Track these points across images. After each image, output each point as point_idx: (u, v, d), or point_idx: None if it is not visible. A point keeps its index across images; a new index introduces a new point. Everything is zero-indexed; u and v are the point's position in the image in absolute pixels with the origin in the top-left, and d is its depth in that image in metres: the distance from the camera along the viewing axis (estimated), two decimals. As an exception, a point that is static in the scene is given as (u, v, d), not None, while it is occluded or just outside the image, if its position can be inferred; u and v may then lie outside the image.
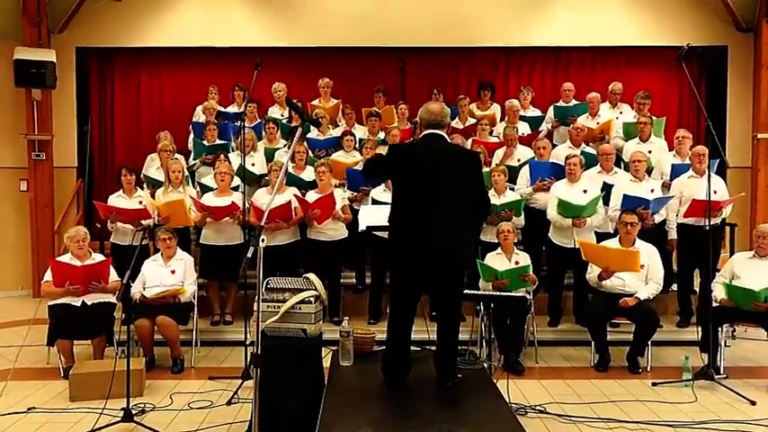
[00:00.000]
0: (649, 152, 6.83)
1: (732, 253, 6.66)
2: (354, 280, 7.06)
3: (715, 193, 5.93)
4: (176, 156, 7.17)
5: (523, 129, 7.84)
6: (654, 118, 7.23)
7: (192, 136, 7.96)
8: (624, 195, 5.94)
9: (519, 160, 7.13)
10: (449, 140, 4.04)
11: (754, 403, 4.69)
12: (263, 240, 3.06)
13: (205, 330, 6.25)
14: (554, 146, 7.77)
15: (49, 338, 5.34)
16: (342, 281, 6.68)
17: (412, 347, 4.30)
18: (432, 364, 3.97)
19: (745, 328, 5.90)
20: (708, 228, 5.35)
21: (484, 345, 5.61)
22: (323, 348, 4.40)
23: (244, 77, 7.75)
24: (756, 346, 5.98)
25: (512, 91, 9.07)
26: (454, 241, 3.75)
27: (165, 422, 4.34)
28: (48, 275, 5.45)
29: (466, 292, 5.41)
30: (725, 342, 5.68)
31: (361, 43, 9.10)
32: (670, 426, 4.27)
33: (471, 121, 8.01)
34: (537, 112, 8.31)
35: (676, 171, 6.49)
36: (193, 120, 8.30)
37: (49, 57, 8.34)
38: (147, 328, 5.42)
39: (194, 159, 7.55)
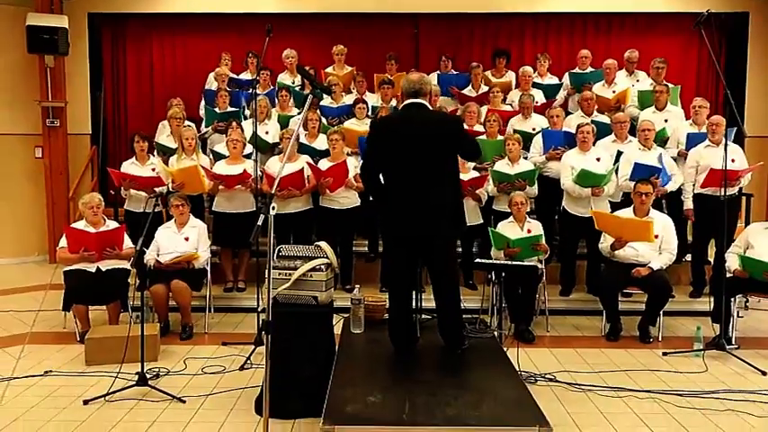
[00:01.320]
0: (665, 121, 6.74)
1: (747, 223, 6.59)
2: (367, 248, 7.08)
3: (733, 161, 5.87)
4: (188, 123, 7.16)
5: (539, 97, 7.75)
6: (670, 86, 7.12)
7: (203, 103, 7.93)
8: (635, 164, 5.89)
9: (534, 129, 7.06)
10: (430, 108, 4.06)
11: (764, 373, 4.69)
12: (273, 208, 3.06)
13: (218, 297, 6.32)
14: (569, 113, 7.71)
15: (65, 304, 5.42)
16: (354, 249, 6.70)
17: (424, 316, 4.36)
18: (441, 331, 4.02)
19: (759, 298, 5.87)
20: (723, 198, 5.29)
21: (495, 313, 5.63)
22: (335, 316, 4.43)
23: (257, 44, 7.66)
24: (769, 316, 5.98)
25: (527, 58, 8.94)
26: (438, 210, 3.83)
27: (179, 386, 4.41)
28: (63, 242, 5.50)
29: (477, 260, 5.44)
30: (737, 313, 5.68)
31: (374, 9, 8.99)
32: (680, 395, 4.27)
33: (485, 88, 7.91)
34: (554, 80, 8.19)
35: (692, 140, 6.40)
36: (206, 87, 8.27)
37: (62, 23, 8.30)
38: (162, 293, 5.48)
39: (206, 126, 7.54)
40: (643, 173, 5.80)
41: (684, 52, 9.20)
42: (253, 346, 5.00)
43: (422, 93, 3.93)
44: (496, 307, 5.51)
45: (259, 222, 3.03)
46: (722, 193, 5.25)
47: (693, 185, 6.15)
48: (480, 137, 6.81)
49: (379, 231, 4.28)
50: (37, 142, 8.79)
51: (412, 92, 3.93)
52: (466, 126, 7.00)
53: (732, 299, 5.34)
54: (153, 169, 6.41)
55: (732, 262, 5.32)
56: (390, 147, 3.88)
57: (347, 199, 6.33)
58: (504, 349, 4.17)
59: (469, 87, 8.04)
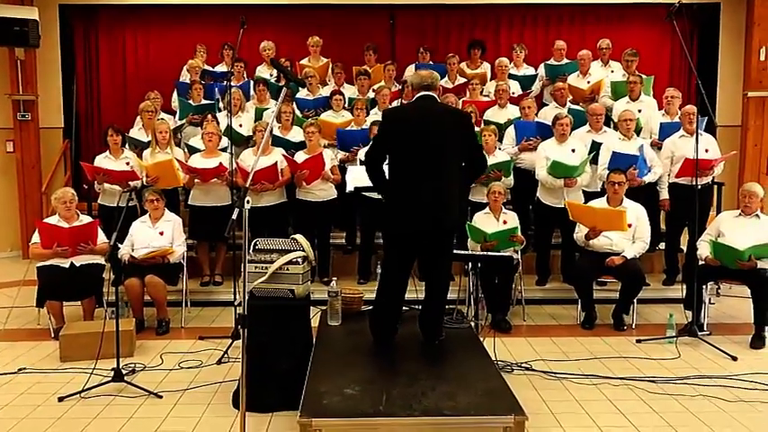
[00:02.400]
0: (639, 111, 6.80)
1: (719, 212, 6.70)
2: (344, 240, 7.08)
3: (707, 151, 5.96)
4: (163, 116, 7.08)
5: (514, 88, 7.78)
6: (643, 76, 7.19)
7: (175, 95, 7.85)
8: (613, 153, 5.95)
9: (509, 119, 7.09)
10: (439, 101, 4.07)
11: (735, 359, 4.79)
12: (248, 202, 3.05)
13: (195, 291, 6.28)
14: (544, 105, 7.77)
15: (39, 300, 5.35)
16: (331, 241, 6.69)
17: (403, 307, 4.36)
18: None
19: (730, 285, 5.98)
20: (698, 187, 5.37)
21: (471, 304, 5.66)
22: (313, 308, 4.43)
23: (233, 36, 7.62)
24: (740, 303, 6.06)
25: (503, 49, 8.96)
26: (447, 205, 3.84)
27: (156, 381, 4.38)
28: (35, 237, 5.44)
29: (454, 252, 5.46)
30: (709, 299, 5.77)
31: (350, 0, 8.95)
32: (652, 381, 4.35)
33: (461, 80, 7.92)
34: (530, 71, 8.23)
35: (665, 130, 6.48)
36: (180, 79, 8.18)
37: (32, 14, 8.14)
38: (136, 287, 5.43)
39: (180, 119, 7.46)
40: (621, 162, 5.86)
41: (658, 42, 9.28)
42: (230, 340, 4.99)
43: (433, 87, 3.98)
44: (473, 297, 5.54)
45: (233, 216, 3.02)
46: (695, 183, 5.31)
47: (669, 175, 6.23)
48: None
49: (384, 226, 4.22)
50: (8, 136, 8.66)
51: (424, 86, 3.95)
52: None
53: (704, 286, 5.44)
54: (127, 163, 6.33)
55: (704, 250, 5.40)
56: (404, 138, 3.85)
57: (324, 191, 6.32)
58: (481, 339, 4.21)
59: (446, 78, 8.04)
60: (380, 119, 4.18)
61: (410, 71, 8.13)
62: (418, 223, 3.83)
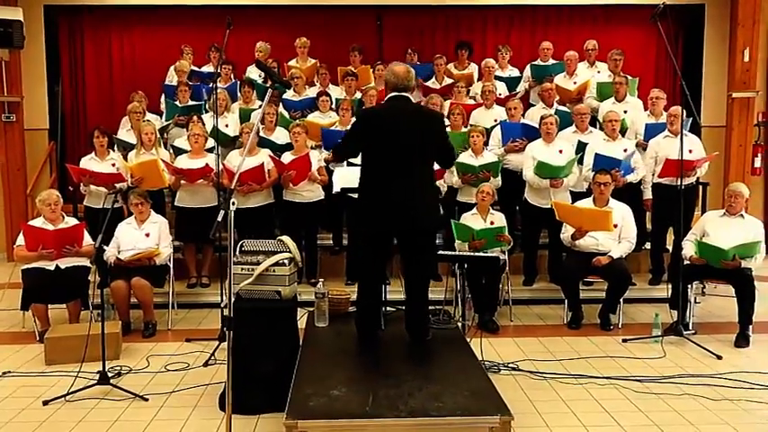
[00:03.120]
0: (625, 112, 6.84)
1: (704, 212, 6.75)
2: (331, 241, 7.07)
3: (690, 152, 6.00)
4: (148, 117, 7.05)
5: (500, 89, 7.81)
6: (628, 77, 7.24)
7: (163, 97, 7.82)
8: (596, 155, 5.99)
9: (495, 120, 7.12)
10: (413, 102, 4.11)
11: (720, 358, 4.82)
12: (233, 203, 3.04)
13: (182, 293, 6.26)
14: (531, 105, 7.79)
15: (24, 303, 5.30)
16: (318, 242, 6.69)
17: (388, 308, 4.39)
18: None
19: (716, 285, 6.02)
20: (681, 187, 5.41)
21: (458, 304, 5.67)
22: (300, 310, 4.42)
23: (220, 37, 7.57)
24: (725, 302, 6.10)
25: (489, 50, 8.99)
26: (421, 205, 3.88)
27: (142, 384, 4.36)
28: (20, 240, 5.39)
29: (440, 252, 5.47)
30: (695, 299, 5.81)
31: (337, 1, 8.95)
32: (638, 380, 4.37)
33: (448, 81, 7.94)
34: (515, 72, 8.26)
35: (650, 131, 6.53)
36: (167, 81, 8.14)
37: (16, 15, 8.06)
38: (122, 290, 5.40)
39: (167, 120, 7.43)
40: (604, 164, 5.89)
41: (644, 43, 9.35)
42: (217, 342, 4.97)
43: (409, 88, 3.97)
44: (460, 298, 5.55)
45: (219, 218, 3.01)
46: (679, 183, 5.35)
47: (653, 175, 6.27)
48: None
49: (353, 225, 4.32)
50: (-8, 138, 8.59)
51: (400, 86, 3.94)
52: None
53: (689, 285, 5.46)
54: (113, 165, 6.29)
55: (688, 249, 5.44)
56: (378, 138, 3.88)
57: (311, 192, 6.31)
58: (468, 340, 4.21)
59: (433, 80, 8.06)
60: (356, 117, 4.19)
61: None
62: (390, 222, 3.87)
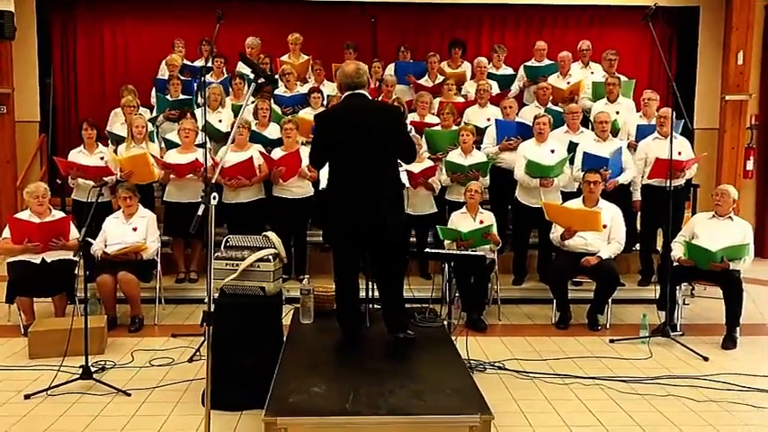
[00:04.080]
0: (617, 113, 6.83)
1: (694, 213, 6.75)
2: (321, 238, 7.04)
3: (680, 154, 5.99)
4: (140, 111, 7.01)
5: (493, 87, 7.78)
6: (623, 79, 7.23)
7: (154, 91, 7.78)
8: (584, 154, 5.98)
9: (489, 119, 7.10)
10: (370, 98, 4.14)
11: (706, 359, 4.82)
12: (214, 198, 3.02)
13: (170, 288, 6.23)
14: (524, 105, 7.78)
15: (8, 296, 5.27)
16: (308, 239, 6.66)
17: (375, 306, 4.37)
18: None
19: (705, 286, 6.02)
20: (670, 188, 5.40)
21: (445, 302, 5.66)
22: (288, 306, 4.41)
23: (212, 31, 7.54)
24: (714, 304, 6.07)
25: (484, 49, 8.99)
26: (385, 200, 3.89)
27: (125, 379, 4.33)
28: (6, 232, 5.36)
29: (427, 251, 5.47)
30: (683, 300, 5.81)
31: (332, -3, 8.95)
32: (624, 381, 4.37)
33: (441, 78, 7.91)
34: (509, 71, 8.24)
35: (642, 132, 6.52)
36: (159, 75, 8.10)
37: (7, 6, 7.97)
38: (109, 284, 5.37)
39: (157, 114, 7.39)
40: (593, 164, 5.89)
41: (637, 45, 9.34)
42: (202, 338, 4.93)
43: (360, 85, 3.97)
44: (448, 296, 5.54)
45: (199, 212, 2.98)
46: (668, 185, 5.35)
47: (642, 177, 6.27)
48: (435, 128, 6.84)
49: (325, 223, 4.31)
50: (-17, 130, 8.54)
51: (352, 84, 3.95)
52: (418, 116, 7.05)
53: (677, 287, 5.47)
54: (102, 158, 6.26)
55: (677, 251, 5.43)
56: (335, 137, 3.89)
57: (300, 188, 6.29)
58: (453, 338, 4.20)
59: (426, 77, 8.04)
60: (314, 122, 4.18)
61: (390, 68, 8.12)
62: (356, 219, 3.87)
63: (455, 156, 6.36)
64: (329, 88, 7.74)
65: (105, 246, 5.50)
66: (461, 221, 5.79)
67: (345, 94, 4.00)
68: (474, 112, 7.28)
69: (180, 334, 5.28)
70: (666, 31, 8.99)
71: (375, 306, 4.43)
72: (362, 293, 4.28)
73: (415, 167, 6.09)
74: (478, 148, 6.63)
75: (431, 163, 6.34)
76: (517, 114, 7.11)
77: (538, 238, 6.42)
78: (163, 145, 6.69)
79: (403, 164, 4.45)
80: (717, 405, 4.01)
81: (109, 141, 6.67)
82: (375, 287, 4.20)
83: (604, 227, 5.51)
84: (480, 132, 6.80)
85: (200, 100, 7.32)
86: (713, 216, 5.47)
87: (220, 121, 6.95)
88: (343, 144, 3.85)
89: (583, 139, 6.37)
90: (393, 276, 4.02)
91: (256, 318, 3.93)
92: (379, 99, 7.14)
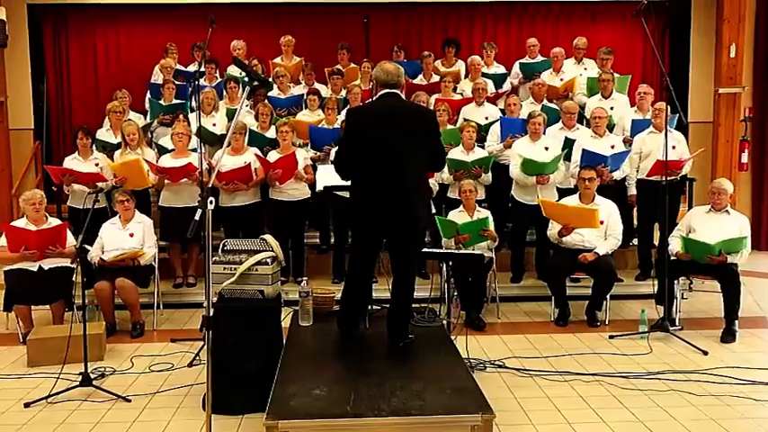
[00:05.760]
0: (611, 108, 6.85)
1: (691, 207, 6.76)
2: (318, 240, 7.05)
3: (674, 148, 6.00)
4: (132, 116, 7.00)
5: (489, 86, 7.78)
6: (617, 75, 7.24)
7: (148, 95, 7.76)
8: (582, 150, 5.98)
9: (486, 118, 7.11)
10: (404, 98, 4.04)
11: (705, 353, 4.82)
12: (211, 202, 3.01)
13: (168, 293, 6.21)
14: (519, 101, 7.77)
15: (6, 304, 5.25)
16: (305, 241, 6.66)
17: (375, 306, 4.36)
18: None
19: (703, 280, 6.02)
20: (665, 183, 5.42)
21: (445, 301, 5.65)
22: (286, 309, 4.40)
23: (204, 35, 7.53)
24: (712, 298, 6.07)
25: (476, 47, 8.96)
26: (414, 203, 3.81)
27: (125, 385, 4.32)
28: (2, 241, 5.34)
29: (425, 250, 5.46)
30: (682, 295, 5.82)
31: (323, -1, 8.94)
32: (624, 377, 4.37)
33: (436, 78, 7.92)
34: (501, 69, 8.24)
35: (637, 127, 6.54)
36: (152, 80, 8.09)
37: (-1, 14, 8.01)
38: (106, 291, 5.36)
39: (150, 119, 7.37)
40: (591, 160, 5.89)
41: (630, 39, 9.34)
42: (202, 343, 4.92)
43: (399, 85, 3.90)
44: (446, 295, 5.53)
45: (196, 217, 2.97)
46: (662, 179, 5.35)
47: (637, 171, 6.27)
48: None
49: (345, 224, 4.24)
50: (-24, 139, 8.51)
51: (390, 83, 3.87)
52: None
53: (675, 281, 5.47)
54: (96, 164, 6.25)
55: (674, 245, 5.44)
56: (370, 136, 3.80)
57: (297, 191, 6.28)
58: (453, 338, 4.20)
59: (420, 77, 8.04)
60: (345, 118, 4.11)
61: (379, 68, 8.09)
62: (384, 223, 3.80)
63: (457, 153, 6.37)
64: (322, 90, 7.73)
65: (102, 252, 5.49)
66: (459, 219, 5.79)
67: (381, 92, 3.90)
68: (471, 110, 7.28)
69: (179, 339, 5.27)
70: (659, 24, 9.01)
71: (375, 307, 4.45)
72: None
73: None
74: (480, 146, 6.63)
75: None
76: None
77: (535, 235, 6.42)
78: (156, 151, 6.66)
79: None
80: (717, 399, 4.02)
81: (94, 147, 6.59)
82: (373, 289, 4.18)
83: (601, 223, 5.52)
84: (479, 130, 6.78)
85: (193, 104, 7.32)
86: (710, 210, 5.48)
87: (214, 125, 6.94)
88: (374, 141, 3.76)
89: (579, 135, 6.38)
90: (408, 282, 3.96)
91: (255, 321, 3.92)
92: (369, 101, 7.12)
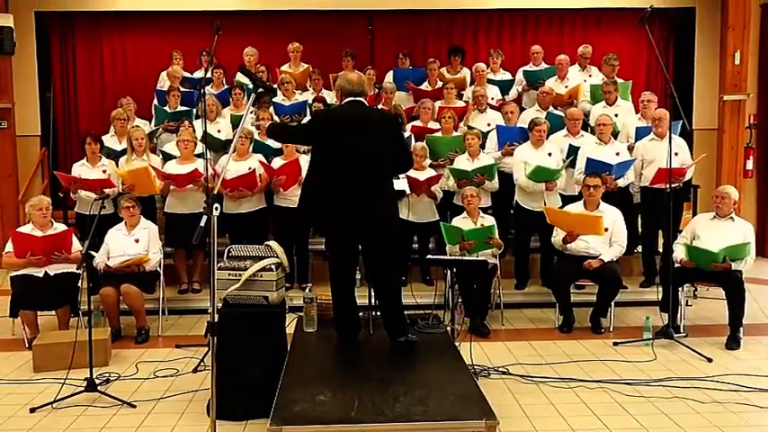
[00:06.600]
0: (616, 115, 6.84)
1: (695, 214, 6.75)
2: (323, 246, 7.04)
3: (676, 155, 5.99)
4: (138, 123, 7.04)
5: (494, 93, 7.82)
6: (620, 81, 7.25)
7: (155, 102, 7.81)
8: (588, 159, 5.98)
9: (489, 125, 7.12)
10: (368, 106, 4.18)
11: (710, 360, 4.81)
12: (216, 209, 3.03)
13: (173, 299, 6.24)
14: (523, 109, 7.79)
15: (12, 310, 5.28)
16: (310, 247, 6.67)
17: (376, 313, 4.38)
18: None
19: (707, 287, 6.02)
20: (669, 190, 5.42)
21: (449, 308, 5.66)
22: (291, 315, 4.41)
23: (210, 42, 7.59)
24: (716, 305, 6.07)
25: (482, 54, 9.01)
26: (381, 206, 3.92)
27: (130, 391, 4.34)
28: (9, 246, 5.38)
29: (429, 257, 5.49)
30: (686, 302, 5.81)
31: (329, 6, 8.96)
32: (628, 384, 4.36)
33: (441, 84, 7.94)
34: (507, 76, 8.27)
35: (641, 134, 6.53)
36: (158, 87, 8.14)
37: (7, 22, 8.04)
38: (112, 296, 5.38)
39: (155, 126, 7.41)
40: (595, 168, 5.88)
41: (634, 47, 9.36)
42: (206, 348, 4.94)
43: (363, 94, 4.00)
44: (450, 302, 5.54)
45: (202, 223, 3.00)
46: (666, 186, 5.35)
47: (640, 178, 6.28)
48: (436, 134, 6.86)
49: (321, 231, 4.33)
50: (-16, 145, 8.57)
51: (355, 92, 3.97)
52: (420, 123, 7.08)
53: (680, 288, 5.46)
54: (104, 171, 6.28)
55: (679, 252, 5.43)
56: (335, 141, 3.88)
57: (301, 197, 6.29)
58: (457, 344, 4.20)
59: (425, 83, 8.07)
60: (311, 119, 4.20)
61: (389, 76, 8.15)
62: (358, 224, 3.88)
63: (462, 161, 6.39)
64: (328, 97, 7.77)
65: (108, 258, 5.51)
66: (462, 226, 5.79)
67: (346, 100, 3.99)
68: (474, 117, 7.30)
69: (184, 345, 5.29)
70: (663, 32, 9.03)
71: (377, 313, 4.46)
72: (364, 301, 4.32)
73: (420, 175, 6.12)
74: (486, 153, 6.65)
75: (433, 172, 6.35)
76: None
77: (539, 242, 6.43)
78: (161, 157, 6.70)
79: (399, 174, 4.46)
80: (722, 406, 4.01)
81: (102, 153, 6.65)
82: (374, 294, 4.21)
83: (606, 230, 5.51)
84: (482, 137, 6.80)
85: (197, 110, 7.35)
86: (714, 217, 5.47)
87: (219, 131, 6.98)
88: (344, 146, 3.84)
89: (583, 142, 6.38)
90: (389, 283, 4.03)
91: (260, 327, 3.94)
92: (379, 107, 7.16)
